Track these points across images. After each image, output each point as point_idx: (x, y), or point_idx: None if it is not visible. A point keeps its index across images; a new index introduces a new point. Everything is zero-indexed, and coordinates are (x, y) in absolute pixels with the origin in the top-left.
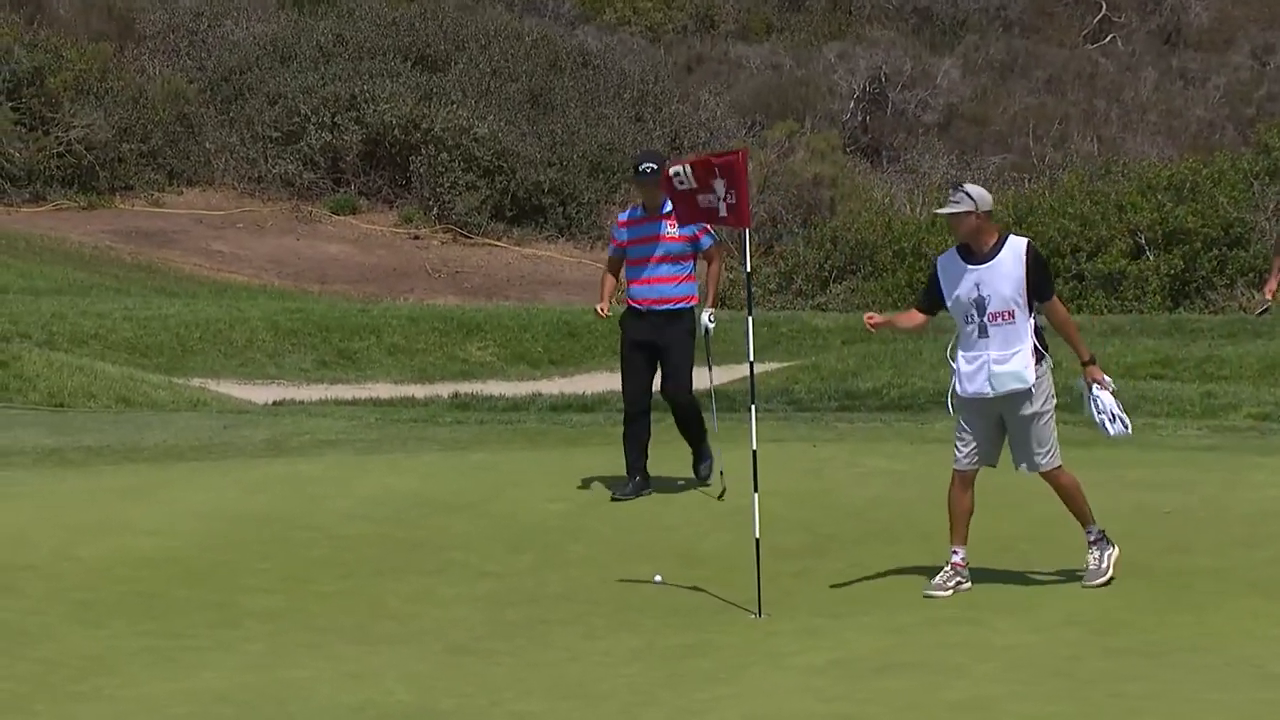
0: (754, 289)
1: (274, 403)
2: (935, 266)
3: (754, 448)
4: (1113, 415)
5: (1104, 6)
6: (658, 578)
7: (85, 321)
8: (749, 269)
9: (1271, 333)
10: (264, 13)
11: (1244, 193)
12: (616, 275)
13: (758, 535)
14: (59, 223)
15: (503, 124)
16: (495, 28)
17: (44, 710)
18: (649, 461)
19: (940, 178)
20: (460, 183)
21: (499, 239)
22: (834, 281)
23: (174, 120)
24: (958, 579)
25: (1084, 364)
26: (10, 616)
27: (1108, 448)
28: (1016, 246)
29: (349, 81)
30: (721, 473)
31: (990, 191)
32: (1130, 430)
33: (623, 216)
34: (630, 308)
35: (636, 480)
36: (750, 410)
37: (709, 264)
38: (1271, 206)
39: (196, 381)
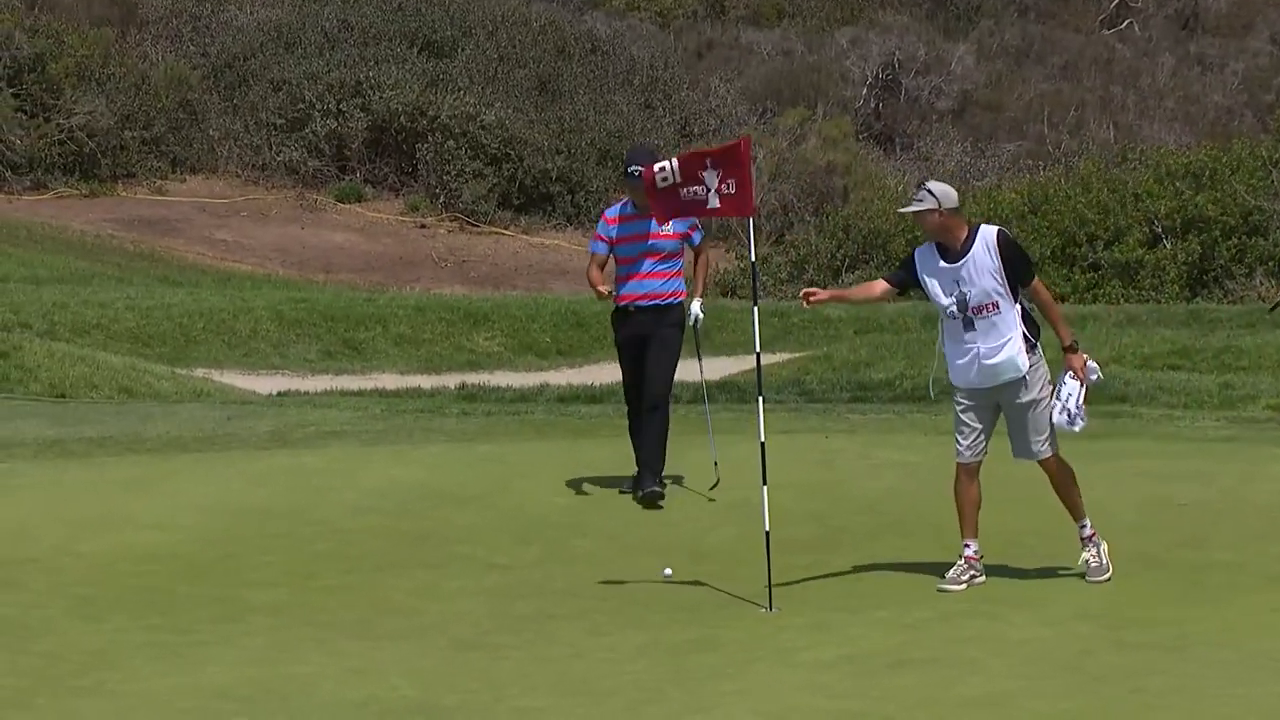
0: (765, 278)
1: (278, 393)
2: (914, 254)
3: (762, 439)
4: (1063, 407)
5: None
6: (667, 571)
7: (87, 311)
8: (754, 258)
9: None
10: None
11: (1263, 180)
12: (602, 270)
13: (768, 528)
14: (60, 211)
15: (510, 111)
16: (502, 13)
17: (46, 705)
18: None
19: (955, 165)
20: (467, 170)
21: (506, 227)
22: (846, 270)
23: (177, 107)
24: (972, 573)
25: (1064, 349)
26: (12, 611)
27: (1123, 439)
28: (987, 236)
29: (354, 68)
30: (716, 463)
31: (1005, 179)
32: (1076, 428)
33: (611, 213)
34: (619, 306)
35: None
36: (758, 401)
37: (696, 255)
38: None
39: (200, 372)
